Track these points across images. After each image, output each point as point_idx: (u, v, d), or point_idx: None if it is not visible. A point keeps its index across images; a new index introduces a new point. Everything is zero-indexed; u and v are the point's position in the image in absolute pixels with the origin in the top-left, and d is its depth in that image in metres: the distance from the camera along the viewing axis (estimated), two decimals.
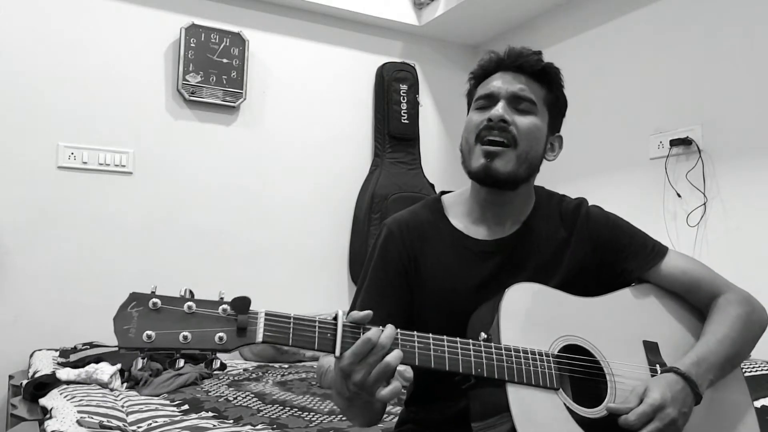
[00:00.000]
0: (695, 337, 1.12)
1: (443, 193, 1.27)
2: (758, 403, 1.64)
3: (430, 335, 0.95)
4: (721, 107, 2.52)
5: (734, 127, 2.47)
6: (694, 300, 1.17)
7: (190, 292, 0.86)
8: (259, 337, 0.85)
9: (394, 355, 0.89)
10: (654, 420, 0.95)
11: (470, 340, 0.97)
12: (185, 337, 0.82)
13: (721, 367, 1.06)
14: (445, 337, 0.95)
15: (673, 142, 2.63)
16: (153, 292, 0.84)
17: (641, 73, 2.84)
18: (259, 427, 1.65)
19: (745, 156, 2.44)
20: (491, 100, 1.14)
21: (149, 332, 0.80)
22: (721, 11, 2.55)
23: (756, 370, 2.05)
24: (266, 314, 0.87)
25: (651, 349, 1.09)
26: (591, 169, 3.05)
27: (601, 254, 1.18)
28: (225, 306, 0.85)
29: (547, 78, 1.17)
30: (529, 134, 1.12)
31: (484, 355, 0.96)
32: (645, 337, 1.10)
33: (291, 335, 0.87)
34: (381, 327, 0.91)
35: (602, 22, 3.07)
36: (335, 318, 0.90)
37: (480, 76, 1.19)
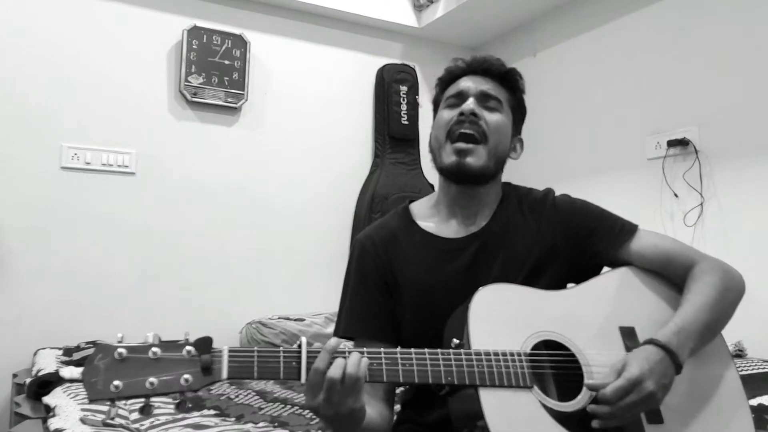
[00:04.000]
0: (671, 316, 1.10)
1: (411, 201, 1.30)
2: (755, 401, 1.66)
3: (397, 350, 0.96)
4: (718, 108, 2.53)
5: (731, 128, 2.49)
6: (670, 274, 1.17)
7: (157, 336, 0.87)
8: (224, 375, 0.87)
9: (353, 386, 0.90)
10: (632, 393, 0.95)
11: (439, 350, 0.98)
12: (152, 383, 0.84)
13: (700, 334, 1.06)
14: (413, 350, 0.96)
15: (671, 143, 2.64)
16: (119, 342, 0.86)
17: (639, 74, 2.86)
18: (261, 425, 1.67)
19: (741, 156, 2.46)
20: (461, 97, 1.20)
21: (116, 382, 0.83)
22: (718, 12, 2.56)
23: (753, 369, 2.06)
24: (229, 351, 0.89)
25: (628, 334, 1.09)
26: (588, 169, 3.07)
27: (571, 240, 1.19)
28: (189, 348, 0.87)
29: (511, 82, 1.23)
30: (497, 129, 1.18)
31: (453, 362, 0.97)
32: (621, 323, 1.10)
33: (255, 368, 0.89)
34: (346, 355, 0.92)
35: (600, 23, 3.08)
36: (299, 346, 0.92)
37: (448, 80, 1.25)
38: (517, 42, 3.52)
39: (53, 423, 1.56)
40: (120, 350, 0.84)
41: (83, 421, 1.57)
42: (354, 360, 0.92)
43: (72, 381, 2.00)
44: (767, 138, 2.37)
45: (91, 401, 0.84)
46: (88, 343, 2.51)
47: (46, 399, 1.83)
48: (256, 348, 0.91)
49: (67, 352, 2.45)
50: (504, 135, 1.20)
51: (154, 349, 0.85)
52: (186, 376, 0.85)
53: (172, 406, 1.82)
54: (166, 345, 0.87)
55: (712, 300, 1.09)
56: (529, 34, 3.48)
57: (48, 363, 2.24)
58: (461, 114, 1.16)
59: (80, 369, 2.04)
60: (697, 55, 2.62)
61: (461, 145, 1.15)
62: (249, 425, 1.66)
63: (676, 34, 2.72)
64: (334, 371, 0.90)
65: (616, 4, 3.00)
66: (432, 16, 3.49)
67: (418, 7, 3.57)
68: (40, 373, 2.08)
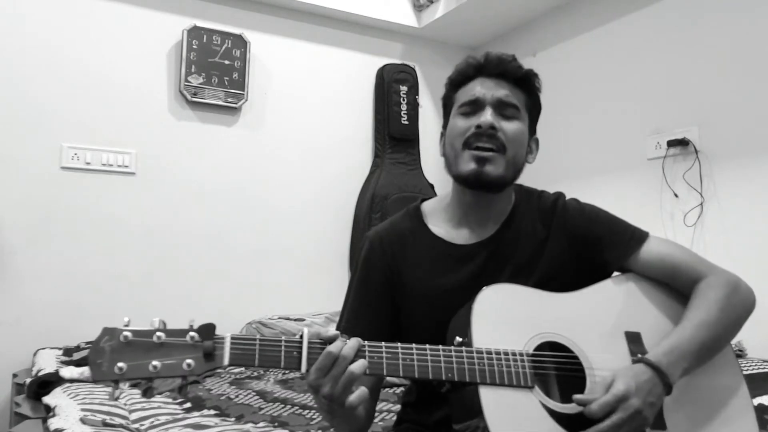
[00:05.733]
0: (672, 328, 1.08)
1: (423, 200, 1.28)
2: (755, 401, 1.66)
3: (399, 344, 0.96)
4: (718, 108, 2.53)
5: (731, 128, 2.49)
6: (678, 285, 1.15)
7: (162, 322, 0.89)
8: (226, 361, 0.88)
9: (357, 365, 0.91)
10: (617, 411, 0.94)
11: (440, 346, 0.97)
12: (155, 367, 0.85)
13: (696, 353, 1.04)
14: (413, 345, 0.96)
15: (671, 143, 2.65)
16: (126, 326, 0.87)
17: (639, 74, 2.86)
18: (261, 424, 1.67)
19: (741, 156, 2.46)
20: (477, 105, 1.15)
21: (120, 364, 0.84)
22: (718, 12, 2.56)
23: (753, 369, 2.06)
24: (232, 338, 0.90)
25: (633, 339, 1.08)
26: (588, 169, 3.07)
27: (580, 247, 1.18)
28: (192, 333, 0.88)
29: (527, 84, 1.19)
30: (515, 139, 1.14)
31: (454, 359, 0.96)
32: (627, 328, 1.09)
33: (257, 356, 0.90)
34: (345, 340, 0.93)
35: (600, 24, 3.09)
36: (301, 336, 0.92)
37: (458, 82, 1.20)
38: (517, 42, 3.52)
39: (53, 423, 1.56)
40: (125, 333, 0.86)
41: (83, 421, 1.57)
42: (352, 344, 0.93)
43: (72, 381, 2.00)
44: (767, 138, 2.38)
45: (96, 382, 0.86)
46: (88, 343, 2.51)
47: (46, 399, 1.83)
48: (258, 336, 0.92)
49: (67, 352, 2.45)
50: (521, 143, 1.16)
51: (158, 333, 0.87)
52: (188, 360, 0.86)
53: (173, 406, 1.84)
54: (170, 330, 0.88)
55: (712, 318, 1.07)
56: (529, 34, 3.49)
57: (48, 363, 2.25)
58: (479, 127, 1.12)
59: (80, 369, 2.05)
60: (697, 55, 2.62)
61: (480, 153, 1.12)
62: (249, 425, 1.66)
63: (676, 34, 2.72)
64: (334, 347, 0.91)
65: (616, 4, 3.00)
66: (432, 16, 3.49)
67: (418, 7, 3.57)
68: (40, 373, 2.08)
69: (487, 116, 1.13)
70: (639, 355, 1.03)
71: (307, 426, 1.66)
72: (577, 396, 0.98)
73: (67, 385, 1.96)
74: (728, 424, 1.07)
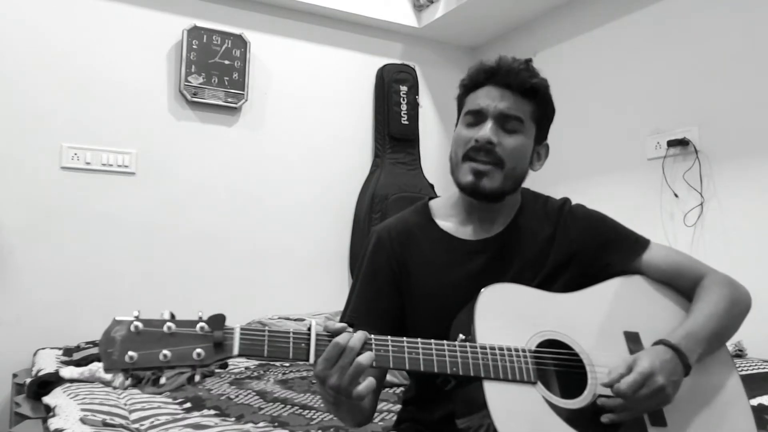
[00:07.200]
0: (678, 323, 1.12)
1: (430, 198, 1.30)
2: (755, 401, 1.66)
3: (404, 339, 0.97)
4: (718, 108, 2.53)
5: (731, 128, 2.49)
6: (679, 286, 1.20)
7: (171, 314, 0.90)
8: (236, 351, 0.90)
9: (365, 356, 0.92)
10: (643, 387, 0.98)
11: (445, 342, 0.99)
12: (165, 356, 0.86)
13: (708, 341, 1.09)
14: (419, 339, 0.98)
15: (671, 143, 2.65)
16: (136, 317, 0.88)
17: (639, 74, 2.86)
18: (261, 424, 1.67)
19: (741, 156, 2.46)
20: (479, 117, 1.16)
21: (131, 353, 0.85)
22: (718, 13, 2.57)
23: (753, 369, 2.06)
24: (241, 329, 0.91)
25: (632, 339, 1.11)
26: (589, 169, 3.07)
27: (586, 249, 1.20)
28: (202, 324, 0.89)
29: (535, 95, 1.19)
30: (514, 153, 1.16)
31: (459, 354, 0.98)
32: (626, 328, 1.12)
33: (266, 347, 0.91)
34: (351, 333, 0.94)
35: (600, 24, 3.09)
36: (309, 328, 0.94)
37: (469, 87, 1.21)
38: (517, 42, 3.52)
39: (53, 423, 1.56)
40: (136, 324, 0.87)
41: (83, 421, 1.57)
42: (359, 335, 0.94)
43: (72, 381, 2.00)
44: (767, 138, 2.38)
45: (107, 371, 0.87)
46: (88, 343, 2.51)
47: (46, 399, 1.83)
48: (267, 328, 0.93)
49: (67, 352, 2.45)
50: (522, 156, 1.17)
51: (168, 323, 0.88)
52: (198, 350, 0.87)
53: (173, 406, 1.84)
54: (180, 321, 0.89)
55: (720, 310, 1.12)
56: (529, 34, 3.49)
57: (48, 363, 2.25)
58: (476, 141, 1.14)
59: (80, 369, 2.05)
60: (697, 55, 2.62)
61: (477, 166, 1.14)
62: (249, 425, 1.66)
63: (676, 34, 2.72)
64: (342, 338, 0.92)
65: (616, 4, 3.00)
66: (432, 16, 3.49)
67: (418, 7, 3.57)
68: (40, 373, 2.08)
69: (486, 131, 1.14)
70: (659, 338, 1.06)
71: (307, 426, 1.66)
72: (604, 379, 1.01)
73: (67, 385, 1.96)
74: (726, 422, 1.09)
